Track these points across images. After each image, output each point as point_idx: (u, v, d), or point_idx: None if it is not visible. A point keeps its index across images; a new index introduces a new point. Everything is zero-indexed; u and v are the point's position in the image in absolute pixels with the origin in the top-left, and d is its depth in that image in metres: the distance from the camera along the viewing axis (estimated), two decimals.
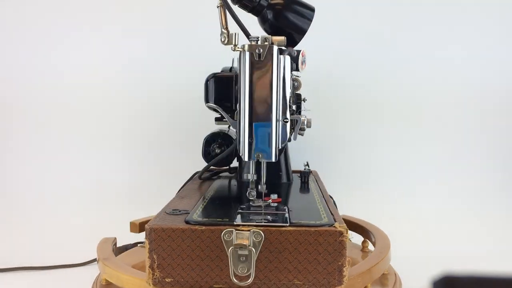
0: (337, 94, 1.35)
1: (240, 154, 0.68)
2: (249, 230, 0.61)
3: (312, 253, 0.62)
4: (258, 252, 0.61)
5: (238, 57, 0.67)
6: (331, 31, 1.33)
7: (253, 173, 0.70)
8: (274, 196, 0.76)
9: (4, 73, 1.43)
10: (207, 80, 0.82)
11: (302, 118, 0.70)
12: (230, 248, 0.61)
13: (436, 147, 1.38)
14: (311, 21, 0.73)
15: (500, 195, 1.32)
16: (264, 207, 0.71)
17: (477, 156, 1.38)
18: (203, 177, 0.96)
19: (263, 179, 0.70)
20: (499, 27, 1.37)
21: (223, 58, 0.91)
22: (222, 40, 0.67)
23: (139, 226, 0.98)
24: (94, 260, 0.90)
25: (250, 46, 0.65)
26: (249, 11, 0.73)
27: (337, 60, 1.37)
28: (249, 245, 0.61)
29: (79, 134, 1.42)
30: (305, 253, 0.62)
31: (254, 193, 0.69)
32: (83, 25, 1.41)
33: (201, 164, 0.93)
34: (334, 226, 0.63)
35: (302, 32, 0.73)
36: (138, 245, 0.94)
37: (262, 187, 0.70)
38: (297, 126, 0.70)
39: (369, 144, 1.38)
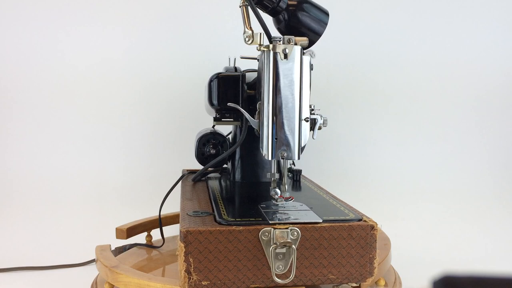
0: (335, 93, 1.36)
1: (263, 153, 0.69)
2: (286, 228, 0.62)
3: (346, 247, 0.64)
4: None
5: (262, 56, 0.67)
6: (330, 28, 1.32)
7: (275, 172, 0.70)
8: (286, 194, 0.78)
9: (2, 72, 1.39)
10: (211, 80, 0.81)
11: (320, 117, 0.72)
12: (271, 247, 0.61)
13: (437, 147, 1.38)
14: (326, 24, 0.75)
15: (500, 195, 1.33)
16: (285, 205, 0.71)
17: (477, 156, 1.38)
18: (194, 179, 0.94)
19: (285, 178, 0.71)
20: (503, 28, 1.41)
21: (223, 58, 0.91)
22: (246, 40, 0.67)
23: (126, 232, 0.94)
24: (92, 260, 0.89)
25: (277, 46, 0.66)
26: (268, 12, 0.73)
27: (334, 59, 1.37)
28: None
29: (77, 135, 1.41)
30: (339, 248, 0.64)
31: (278, 191, 0.70)
32: (81, 22, 1.39)
33: (196, 165, 0.92)
34: (365, 221, 0.65)
35: (317, 34, 0.75)
36: (137, 246, 0.91)
37: (285, 186, 0.71)
38: (316, 125, 0.71)
39: (368, 144, 1.37)
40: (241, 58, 0.91)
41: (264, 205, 0.72)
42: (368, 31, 1.42)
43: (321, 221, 0.64)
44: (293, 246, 0.61)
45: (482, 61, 1.43)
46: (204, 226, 0.62)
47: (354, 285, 0.66)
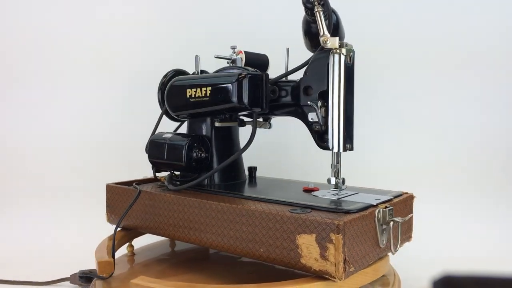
0: None
1: (330, 147, 0.75)
2: (386, 208, 0.73)
3: (404, 216, 0.79)
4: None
5: (331, 57, 0.74)
6: None
7: (336, 163, 0.78)
8: (312, 185, 0.85)
9: None
10: (235, 80, 0.78)
11: None
12: (391, 223, 0.71)
13: (436, 146, 1.33)
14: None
15: (500, 195, 1.30)
16: (339, 192, 0.80)
17: (477, 155, 1.33)
18: (174, 188, 0.85)
19: (340, 169, 0.79)
20: None
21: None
22: (324, 43, 0.72)
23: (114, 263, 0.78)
24: (61, 279, 0.89)
25: (347, 50, 0.74)
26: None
27: None
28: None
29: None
30: (402, 216, 0.79)
31: (343, 180, 0.78)
32: None
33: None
34: (406, 193, 0.83)
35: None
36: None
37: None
38: None
39: (368, 143, 1.30)
40: (216, 57, 0.91)
41: (322, 194, 0.79)
42: (367, 27, 1.35)
43: (392, 198, 0.78)
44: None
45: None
46: (353, 216, 0.66)
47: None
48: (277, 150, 1.34)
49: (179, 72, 1.00)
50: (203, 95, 0.82)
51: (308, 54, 0.81)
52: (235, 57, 0.90)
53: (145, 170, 1.08)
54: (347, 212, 0.68)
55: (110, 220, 0.94)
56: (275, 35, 1.27)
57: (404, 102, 1.35)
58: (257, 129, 0.91)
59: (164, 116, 0.98)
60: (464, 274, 0.30)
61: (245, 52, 0.91)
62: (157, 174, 0.95)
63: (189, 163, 0.84)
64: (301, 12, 0.80)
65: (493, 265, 0.96)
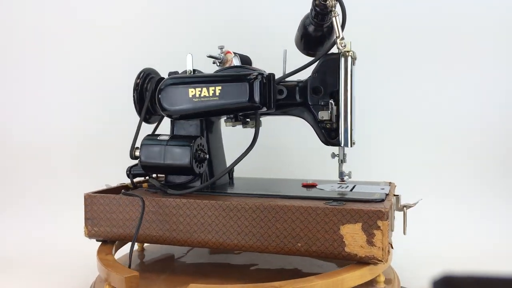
0: None
1: (342, 143, 0.81)
2: (395, 196, 0.81)
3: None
4: None
5: (341, 59, 0.79)
6: None
7: (343, 158, 0.83)
8: (310, 181, 0.90)
9: None
10: (247, 79, 0.78)
11: None
12: (406, 209, 0.79)
13: (436, 145, 1.31)
14: None
15: (500, 195, 1.29)
16: (344, 185, 0.86)
17: (477, 155, 1.31)
18: (181, 192, 0.81)
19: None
20: None
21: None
22: (341, 46, 0.77)
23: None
24: None
25: (353, 52, 0.81)
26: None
27: None
28: None
29: None
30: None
31: (349, 173, 0.83)
32: None
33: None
34: (391, 183, 0.93)
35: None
36: None
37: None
38: None
39: (368, 143, 1.24)
40: (207, 57, 0.90)
41: (329, 187, 0.84)
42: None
43: (389, 187, 0.86)
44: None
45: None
46: (383, 204, 0.72)
47: None
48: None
49: (150, 72, 0.96)
50: (211, 94, 0.80)
51: (301, 56, 0.86)
52: (223, 56, 0.90)
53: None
54: (374, 201, 0.74)
55: (91, 234, 0.85)
56: (258, 35, 1.31)
57: (403, 101, 1.33)
58: (243, 129, 0.93)
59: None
60: (464, 274, 0.30)
61: (233, 52, 0.91)
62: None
63: (194, 164, 0.81)
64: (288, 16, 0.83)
65: (493, 265, 0.96)
